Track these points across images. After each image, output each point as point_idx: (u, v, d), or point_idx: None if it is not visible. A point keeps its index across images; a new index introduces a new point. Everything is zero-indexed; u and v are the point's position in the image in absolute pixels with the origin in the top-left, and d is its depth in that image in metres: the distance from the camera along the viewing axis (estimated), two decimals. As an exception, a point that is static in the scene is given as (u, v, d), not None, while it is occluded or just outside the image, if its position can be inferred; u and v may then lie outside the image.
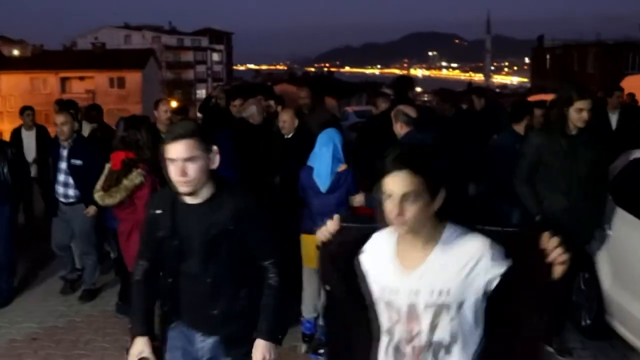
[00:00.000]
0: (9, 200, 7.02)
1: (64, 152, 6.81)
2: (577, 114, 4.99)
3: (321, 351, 5.64)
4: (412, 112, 6.04)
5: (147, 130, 5.75)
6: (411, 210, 2.34)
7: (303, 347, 5.82)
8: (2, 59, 61.15)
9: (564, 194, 5.16)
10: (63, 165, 6.83)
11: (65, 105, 8.20)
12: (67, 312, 6.79)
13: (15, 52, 63.17)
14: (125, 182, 5.51)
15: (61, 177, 6.87)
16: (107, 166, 5.82)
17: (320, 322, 5.69)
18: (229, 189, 3.22)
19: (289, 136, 6.94)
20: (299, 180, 5.69)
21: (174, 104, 9.94)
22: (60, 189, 6.89)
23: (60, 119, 6.77)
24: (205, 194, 3.15)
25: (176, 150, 3.01)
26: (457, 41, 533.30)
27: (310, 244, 5.62)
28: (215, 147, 3.12)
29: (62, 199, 6.93)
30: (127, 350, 3.37)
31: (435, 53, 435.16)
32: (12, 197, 7.08)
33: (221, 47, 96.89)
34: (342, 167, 5.53)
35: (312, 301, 5.79)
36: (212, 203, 3.16)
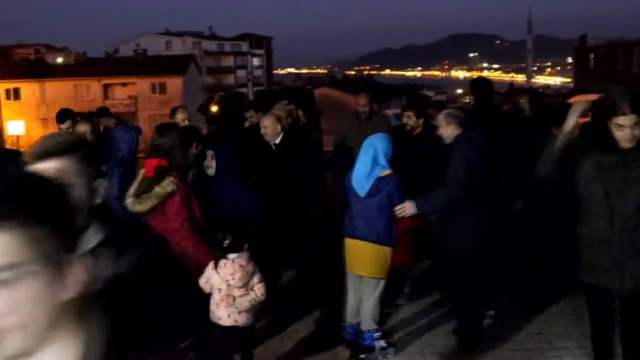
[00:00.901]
0: None
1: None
2: (619, 130, 4.00)
3: (362, 356, 5.58)
4: (460, 113, 5.96)
5: (179, 138, 5.75)
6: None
7: (346, 353, 5.77)
8: (47, 66, 62.29)
9: (605, 219, 4.14)
10: None
11: (66, 115, 8.01)
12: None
13: (59, 60, 64.17)
14: (157, 189, 5.48)
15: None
16: (142, 172, 5.83)
17: (363, 327, 5.63)
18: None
19: (277, 142, 6.79)
20: (345, 183, 5.66)
21: (214, 108, 9.85)
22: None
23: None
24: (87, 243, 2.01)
25: None
26: (498, 42, 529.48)
27: (352, 248, 5.57)
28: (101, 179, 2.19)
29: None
30: None
31: (476, 54, 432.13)
32: None
33: (261, 51, 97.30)
34: (385, 172, 5.43)
35: (355, 306, 5.73)
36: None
